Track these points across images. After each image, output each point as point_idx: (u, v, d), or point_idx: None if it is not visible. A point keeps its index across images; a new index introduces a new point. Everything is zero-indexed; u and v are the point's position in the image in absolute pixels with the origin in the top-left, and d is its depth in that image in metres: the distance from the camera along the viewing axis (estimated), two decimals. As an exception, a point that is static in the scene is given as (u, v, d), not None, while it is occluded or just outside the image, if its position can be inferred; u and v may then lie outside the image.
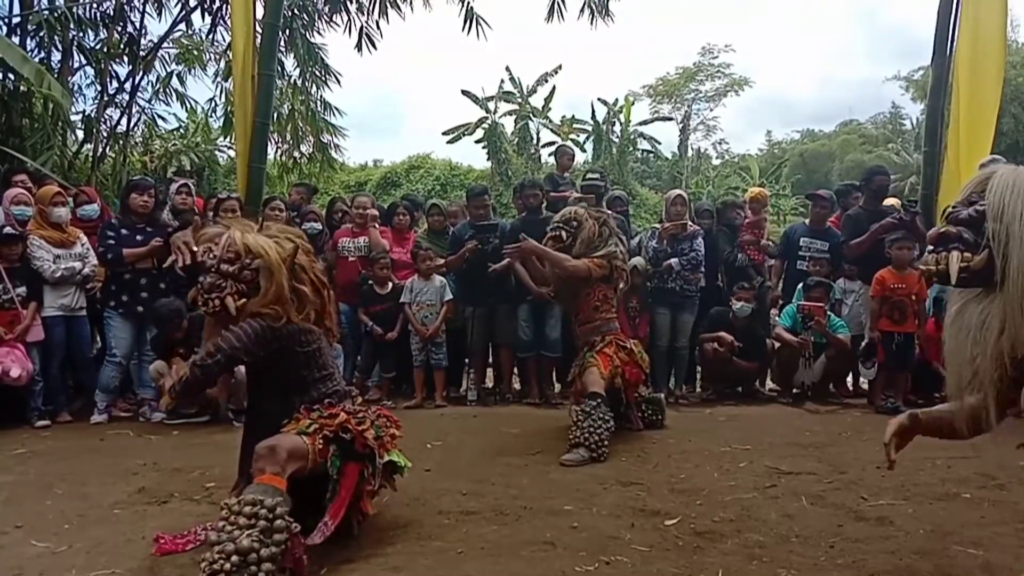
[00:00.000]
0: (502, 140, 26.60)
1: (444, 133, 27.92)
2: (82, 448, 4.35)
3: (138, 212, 5.37)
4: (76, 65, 9.31)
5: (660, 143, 32.58)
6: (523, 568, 2.54)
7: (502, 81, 27.69)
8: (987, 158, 5.69)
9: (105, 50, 9.37)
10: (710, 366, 6.19)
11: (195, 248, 2.68)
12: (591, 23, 10.06)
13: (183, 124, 17.09)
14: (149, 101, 11.03)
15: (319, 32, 11.17)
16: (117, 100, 10.03)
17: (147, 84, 10.65)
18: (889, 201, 6.43)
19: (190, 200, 5.82)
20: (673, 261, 6.00)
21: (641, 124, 31.25)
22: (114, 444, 4.50)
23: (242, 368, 2.93)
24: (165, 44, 10.44)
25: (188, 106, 12.19)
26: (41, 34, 8.44)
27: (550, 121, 28.44)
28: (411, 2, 10.48)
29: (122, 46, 9.67)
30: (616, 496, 3.38)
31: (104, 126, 9.82)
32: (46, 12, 8.34)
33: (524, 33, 56.81)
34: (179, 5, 9.89)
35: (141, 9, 9.64)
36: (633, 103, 30.42)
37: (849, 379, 6.51)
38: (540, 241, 4.70)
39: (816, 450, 4.33)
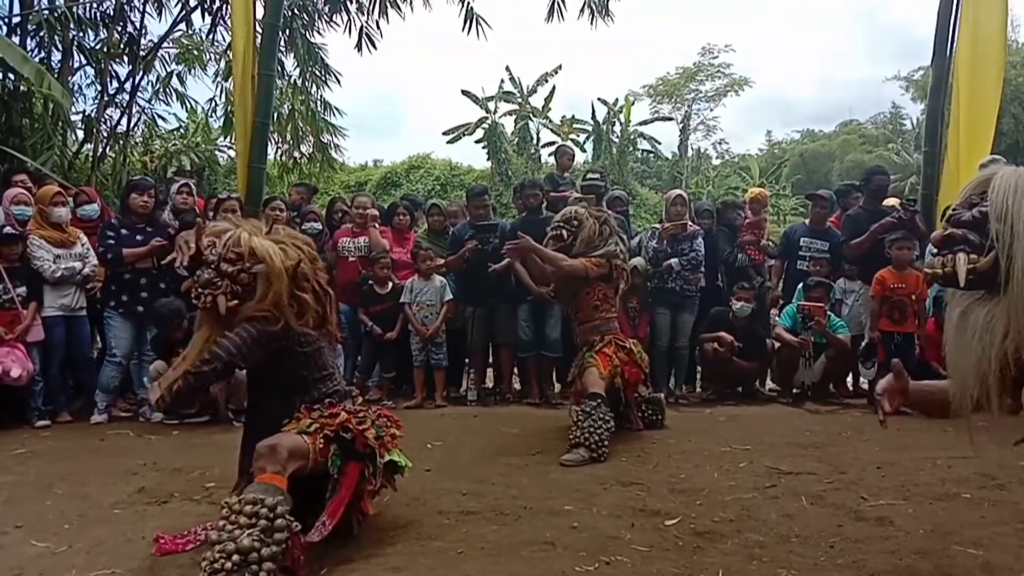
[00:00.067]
0: (502, 140, 26.60)
1: (444, 133, 27.99)
2: (82, 448, 4.36)
3: (138, 212, 5.37)
4: (76, 65, 9.32)
5: (660, 143, 32.65)
6: (523, 568, 2.54)
7: (502, 81, 27.76)
8: (987, 158, 5.69)
9: (105, 50, 9.38)
10: (710, 366, 6.19)
11: (201, 242, 2.66)
12: (591, 23, 10.08)
13: (183, 124, 17.11)
14: (149, 101, 11.06)
15: (319, 32, 11.19)
16: (117, 100, 10.05)
17: (147, 84, 10.67)
18: (889, 201, 6.42)
19: (191, 200, 5.83)
20: (673, 261, 6.00)
21: (641, 124, 31.29)
22: (114, 444, 4.50)
23: (242, 368, 2.92)
24: (165, 44, 10.45)
25: (188, 106, 12.20)
26: (41, 34, 8.44)
27: (550, 121, 28.45)
28: (411, 2, 10.50)
29: (122, 46, 9.68)
30: (616, 496, 3.38)
31: (104, 126, 9.83)
32: (46, 12, 8.34)
33: (524, 33, 56.94)
34: (179, 5, 9.91)
35: (141, 9, 9.65)
36: (633, 103, 30.45)
37: (849, 379, 6.51)
38: (540, 241, 4.70)
39: (816, 450, 4.33)
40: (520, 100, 27.99)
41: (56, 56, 8.89)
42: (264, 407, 2.75)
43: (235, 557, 2.19)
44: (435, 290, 5.89)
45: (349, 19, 10.75)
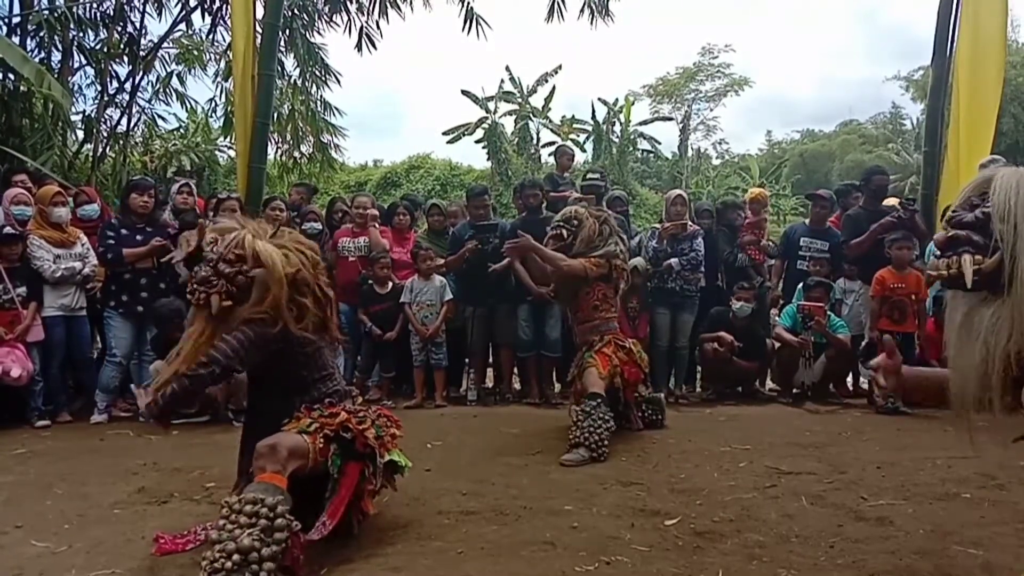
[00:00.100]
0: (502, 140, 26.61)
1: (444, 133, 27.99)
2: (82, 448, 4.36)
3: (138, 212, 5.37)
4: (76, 65, 9.33)
5: (660, 143, 32.66)
6: (523, 568, 2.53)
7: (502, 81, 27.76)
8: (987, 158, 5.69)
9: (105, 50, 9.38)
10: (710, 366, 6.19)
11: (203, 240, 2.65)
12: (591, 23, 10.09)
13: (183, 124, 17.11)
14: (149, 101, 11.07)
15: (319, 32, 11.20)
16: (117, 100, 10.06)
17: (147, 84, 10.69)
18: (889, 201, 6.43)
19: (191, 200, 5.83)
20: (673, 261, 6.00)
21: (641, 124, 31.29)
22: (114, 444, 4.50)
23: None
24: (165, 44, 10.46)
25: (188, 106, 12.21)
26: (41, 34, 8.45)
27: (550, 121, 28.45)
28: (411, 2, 10.51)
29: (122, 46, 9.68)
30: (616, 496, 3.38)
31: (104, 126, 9.83)
32: (46, 12, 8.35)
33: (524, 33, 56.93)
34: (179, 5, 9.92)
35: (141, 9, 9.66)
36: (633, 103, 30.45)
37: (849, 379, 6.51)
38: (540, 241, 4.70)
39: (816, 450, 4.33)
40: (520, 100, 27.99)
41: (56, 56, 8.90)
42: (264, 407, 2.75)
43: (235, 556, 2.19)
44: (435, 290, 5.89)
45: (349, 19, 10.77)
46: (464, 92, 27.71)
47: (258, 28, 6.91)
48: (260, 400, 2.80)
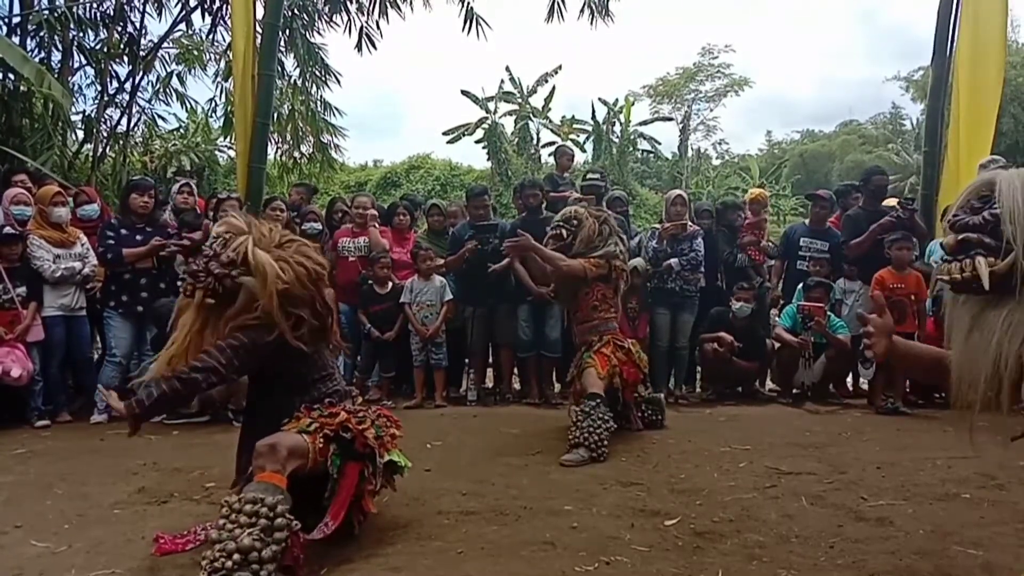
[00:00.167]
0: (502, 140, 26.62)
1: (444, 133, 28.00)
2: (82, 448, 4.35)
3: (138, 212, 5.37)
4: (76, 65, 9.34)
5: (660, 143, 32.68)
6: (523, 568, 2.53)
7: (502, 81, 27.77)
8: (987, 158, 5.70)
9: (105, 50, 9.39)
10: (710, 366, 6.19)
11: (211, 232, 2.64)
12: (591, 23, 10.11)
13: (183, 124, 17.12)
14: (149, 101, 11.09)
15: (319, 32, 11.21)
16: (117, 100, 10.07)
17: (147, 84, 10.70)
18: (889, 201, 6.43)
19: (192, 200, 5.84)
20: (673, 261, 6.00)
21: (641, 124, 31.30)
22: (114, 444, 4.49)
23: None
24: (165, 44, 10.48)
25: (188, 106, 12.22)
26: (41, 34, 8.46)
27: (550, 121, 28.46)
28: (411, 2, 10.52)
29: (122, 46, 9.69)
30: (616, 496, 3.38)
31: (104, 126, 9.84)
32: (46, 12, 8.35)
33: (524, 33, 57.00)
34: (179, 5, 9.93)
35: (141, 9, 9.67)
36: (633, 103, 30.46)
37: (849, 379, 6.52)
38: (540, 242, 4.70)
39: (816, 450, 4.33)
40: (520, 100, 27.99)
41: (56, 56, 8.91)
42: (264, 406, 2.75)
43: (235, 556, 2.20)
44: (435, 290, 5.89)
45: (349, 19, 10.79)
46: (464, 92, 27.74)
47: (258, 28, 6.91)
48: (260, 400, 2.80)
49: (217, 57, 11.30)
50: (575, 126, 29.13)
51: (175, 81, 11.03)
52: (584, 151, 28.14)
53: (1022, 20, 27.21)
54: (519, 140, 27.42)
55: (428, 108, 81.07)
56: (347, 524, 2.66)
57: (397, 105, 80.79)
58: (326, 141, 12.22)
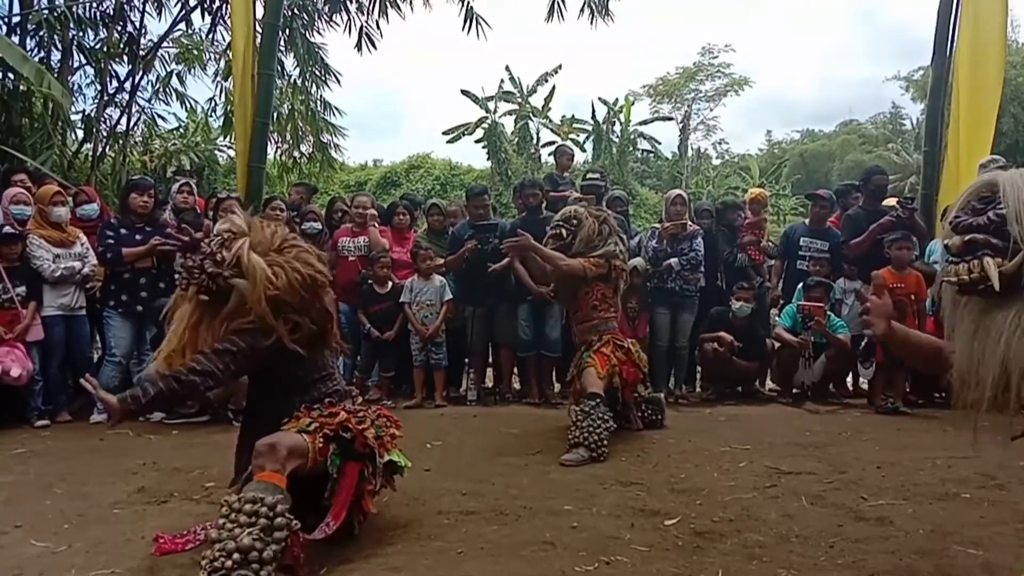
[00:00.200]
0: (502, 140, 26.60)
1: (444, 133, 27.96)
2: (82, 448, 4.35)
3: (138, 212, 5.37)
4: (76, 65, 9.35)
5: (660, 143, 32.65)
6: (523, 568, 2.53)
7: (502, 81, 27.74)
8: (987, 158, 5.70)
9: (105, 50, 9.39)
10: (710, 366, 6.19)
11: (212, 230, 2.65)
12: (591, 23, 10.11)
13: (183, 124, 17.11)
14: (149, 101, 11.10)
15: (319, 32, 11.22)
16: (117, 100, 10.07)
17: (147, 84, 10.71)
18: (889, 201, 6.43)
19: (191, 199, 5.84)
20: (673, 261, 6.00)
21: (641, 124, 31.27)
22: (114, 444, 4.49)
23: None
24: (165, 44, 10.48)
25: (188, 106, 12.23)
26: (41, 33, 8.46)
27: (550, 121, 28.44)
28: (411, 2, 10.52)
29: (122, 46, 9.70)
30: (616, 496, 3.38)
31: (104, 126, 9.84)
32: (46, 11, 8.35)
33: (524, 33, 56.99)
34: (179, 5, 9.93)
35: (141, 9, 9.68)
36: (633, 103, 30.45)
37: (849, 379, 6.51)
38: (540, 241, 4.70)
39: (816, 450, 4.33)
40: (520, 100, 27.98)
41: (56, 56, 8.92)
42: (263, 406, 2.75)
43: (235, 556, 2.19)
44: (435, 290, 5.89)
45: (349, 19, 10.79)
46: (464, 92, 27.72)
47: (258, 28, 6.91)
48: (259, 399, 2.80)
49: (217, 57, 11.31)
50: (575, 126, 29.12)
51: (175, 80, 11.05)
52: (584, 151, 28.15)
53: (1022, 20, 27.24)
54: (519, 140, 27.41)
55: (428, 108, 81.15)
56: (347, 524, 2.65)
57: (397, 105, 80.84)
58: (326, 141, 12.23)
